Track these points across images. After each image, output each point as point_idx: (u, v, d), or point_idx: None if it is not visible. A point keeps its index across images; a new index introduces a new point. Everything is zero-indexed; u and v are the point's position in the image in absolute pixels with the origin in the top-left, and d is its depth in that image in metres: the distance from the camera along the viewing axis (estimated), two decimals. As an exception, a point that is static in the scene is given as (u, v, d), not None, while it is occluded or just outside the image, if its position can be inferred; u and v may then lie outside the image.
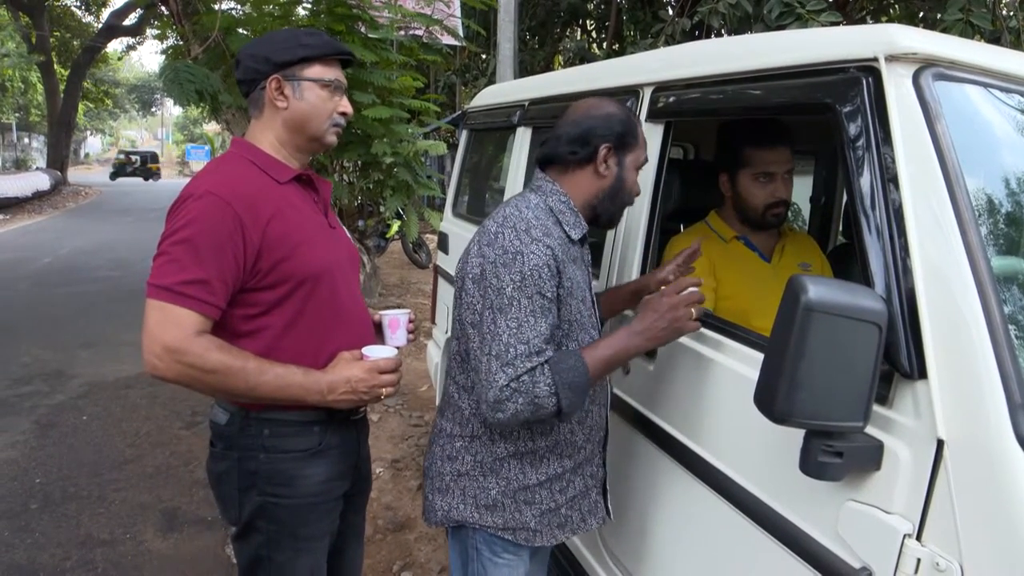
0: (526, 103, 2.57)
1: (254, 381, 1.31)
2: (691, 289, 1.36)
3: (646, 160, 1.50)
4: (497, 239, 1.34)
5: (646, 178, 1.75)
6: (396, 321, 1.59)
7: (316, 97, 1.45)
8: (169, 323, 1.27)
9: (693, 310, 1.33)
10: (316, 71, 1.44)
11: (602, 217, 1.49)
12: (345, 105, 1.50)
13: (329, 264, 1.46)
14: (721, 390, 1.43)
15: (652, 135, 1.75)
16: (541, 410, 1.29)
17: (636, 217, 1.78)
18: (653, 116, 1.75)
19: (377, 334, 1.60)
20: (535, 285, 1.29)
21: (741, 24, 4.91)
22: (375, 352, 1.45)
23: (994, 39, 4.14)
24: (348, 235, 1.66)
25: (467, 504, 1.46)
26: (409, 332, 1.61)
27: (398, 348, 1.53)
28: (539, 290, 1.30)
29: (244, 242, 1.32)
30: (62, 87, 22.12)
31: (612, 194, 1.46)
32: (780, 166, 1.76)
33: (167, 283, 1.27)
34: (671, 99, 1.69)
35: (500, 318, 1.29)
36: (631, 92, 1.85)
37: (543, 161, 1.49)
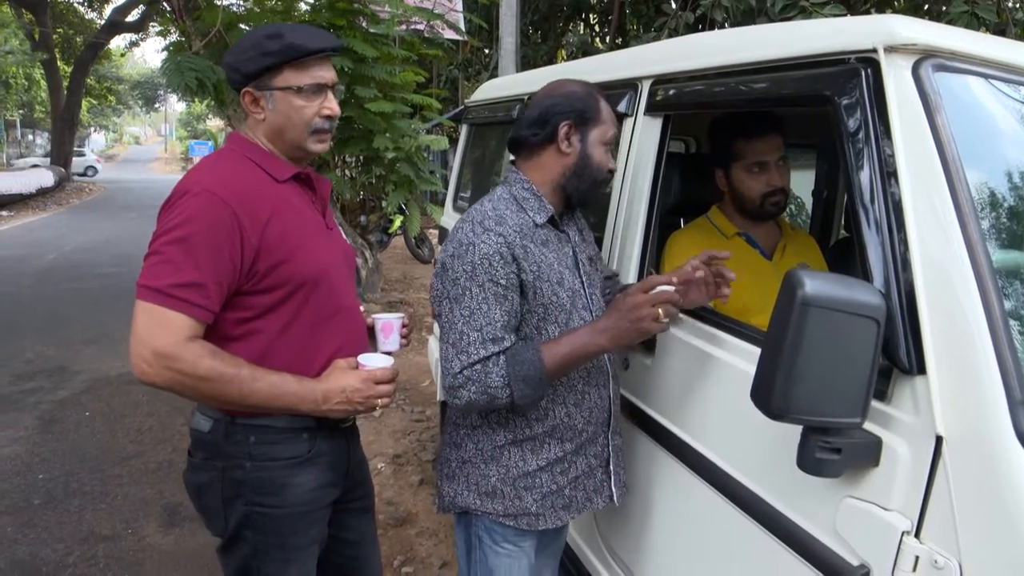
0: (526, 97, 2.56)
1: (247, 389, 1.27)
2: (661, 288, 1.31)
3: (615, 136, 1.46)
4: (456, 233, 1.39)
5: (645, 173, 1.73)
6: (390, 325, 1.55)
7: (290, 106, 1.35)
8: (160, 327, 1.22)
9: (660, 310, 1.29)
10: (286, 78, 1.34)
11: (573, 197, 1.47)
12: (330, 106, 1.39)
13: (327, 267, 1.41)
14: (719, 385, 1.42)
15: (651, 128, 1.74)
16: (495, 400, 1.33)
17: (635, 212, 1.77)
18: (652, 109, 1.73)
19: (370, 338, 1.57)
20: (486, 273, 1.33)
21: (744, 17, 4.88)
22: (371, 361, 1.41)
23: (999, 31, 4.10)
24: (343, 234, 1.63)
25: (470, 490, 1.48)
26: (402, 336, 1.58)
27: (391, 353, 1.51)
28: (491, 278, 1.33)
29: (242, 243, 1.27)
30: (65, 84, 22.11)
31: (578, 171, 1.45)
32: (772, 154, 1.75)
33: (159, 285, 1.22)
34: (670, 92, 1.68)
35: (456, 307, 1.35)
36: (630, 85, 1.83)
37: (511, 147, 1.52)
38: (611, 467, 1.55)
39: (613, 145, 1.46)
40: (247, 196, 1.30)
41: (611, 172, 1.48)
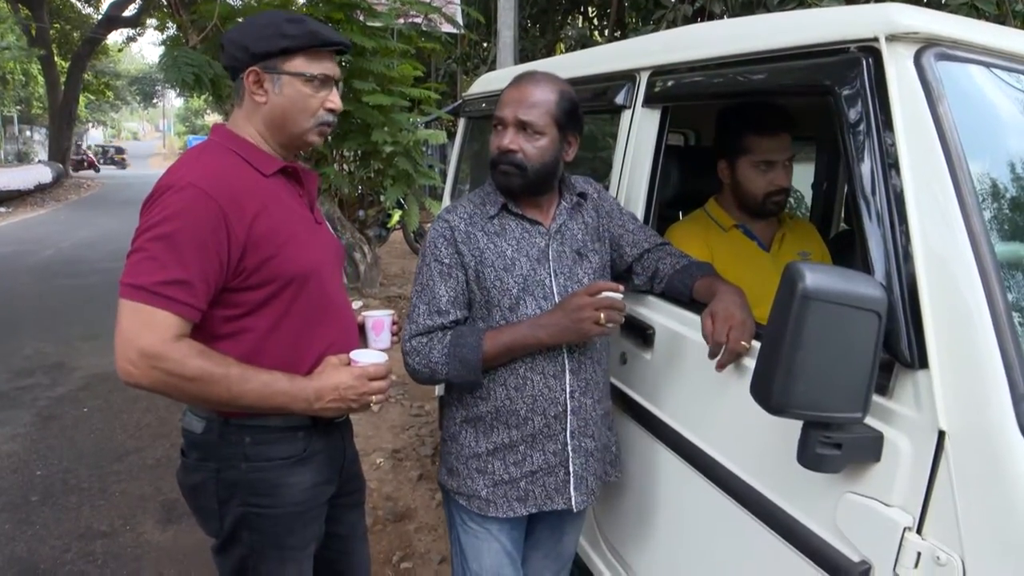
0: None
1: (237, 389, 1.23)
2: (607, 294, 1.35)
3: (499, 119, 1.48)
4: None
5: (643, 165, 1.72)
6: (380, 323, 1.52)
7: (297, 93, 1.33)
8: (145, 326, 1.17)
9: (603, 315, 1.34)
10: (298, 64, 1.32)
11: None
12: (334, 100, 1.37)
13: (317, 263, 1.38)
14: (718, 380, 1.40)
15: (649, 120, 1.72)
16: (436, 374, 1.46)
17: (633, 205, 1.75)
18: (650, 101, 1.72)
19: (360, 336, 1.54)
20: (432, 254, 1.50)
21: (743, 10, 4.86)
22: (364, 357, 1.38)
23: (998, 23, 4.08)
24: (331, 229, 1.60)
25: (444, 467, 1.60)
26: (393, 334, 1.55)
27: (383, 350, 1.48)
28: (435, 258, 1.49)
29: (228, 239, 1.23)
30: (63, 79, 22.04)
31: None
32: (781, 154, 1.74)
33: (144, 283, 1.18)
34: (668, 83, 1.66)
35: (416, 284, 1.52)
36: (627, 77, 1.81)
37: None
38: (571, 468, 1.50)
39: (504, 126, 1.47)
40: (233, 191, 1.26)
41: (498, 150, 1.47)
